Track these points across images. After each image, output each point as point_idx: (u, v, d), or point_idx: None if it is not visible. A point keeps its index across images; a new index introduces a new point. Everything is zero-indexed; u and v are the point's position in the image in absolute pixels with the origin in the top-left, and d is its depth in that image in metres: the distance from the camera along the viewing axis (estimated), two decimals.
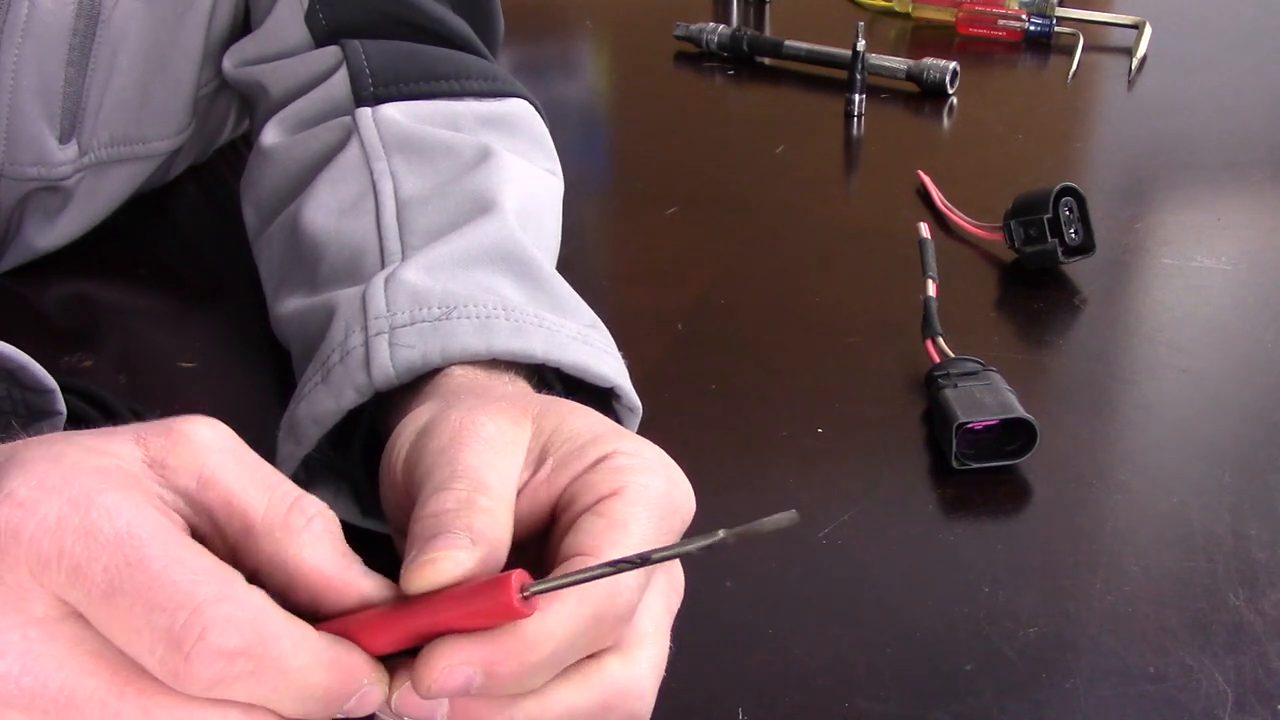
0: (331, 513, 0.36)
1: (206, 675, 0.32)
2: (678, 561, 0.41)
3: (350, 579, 0.36)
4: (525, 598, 0.34)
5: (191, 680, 0.32)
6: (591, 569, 0.35)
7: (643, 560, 0.35)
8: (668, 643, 0.40)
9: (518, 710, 0.36)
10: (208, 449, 0.35)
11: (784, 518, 0.34)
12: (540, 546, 0.40)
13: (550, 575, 0.35)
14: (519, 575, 0.34)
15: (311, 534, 0.35)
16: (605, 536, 0.37)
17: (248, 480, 0.35)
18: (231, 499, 0.35)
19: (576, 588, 0.35)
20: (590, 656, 0.37)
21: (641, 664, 0.38)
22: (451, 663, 0.34)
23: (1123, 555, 0.52)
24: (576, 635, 0.36)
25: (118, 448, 0.35)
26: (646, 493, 0.38)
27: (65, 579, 0.32)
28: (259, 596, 0.33)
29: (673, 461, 0.40)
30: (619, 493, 0.38)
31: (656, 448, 0.41)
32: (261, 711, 0.33)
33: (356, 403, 0.48)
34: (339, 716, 0.35)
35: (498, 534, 0.37)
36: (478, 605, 0.35)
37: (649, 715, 0.39)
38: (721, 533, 0.34)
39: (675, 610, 0.41)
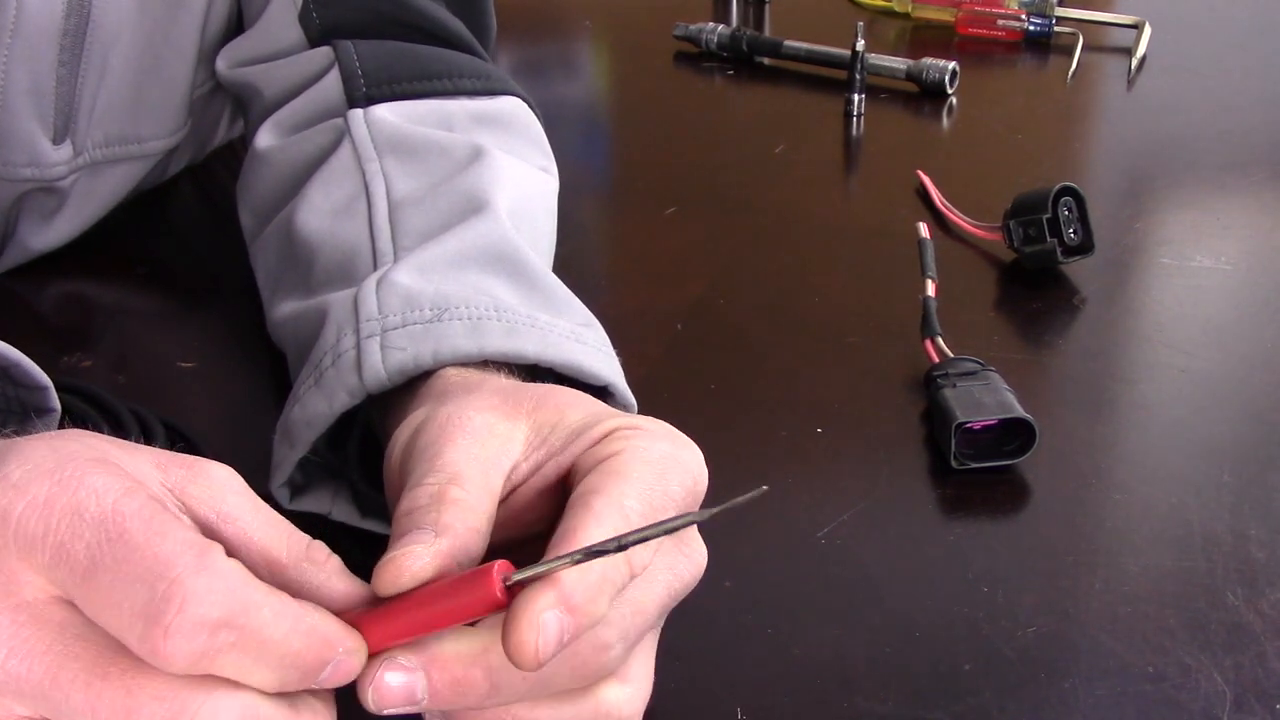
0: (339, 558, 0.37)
1: (188, 649, 0.31)
2: (695, 530, 0.42)
3: (364, 595, 0.36)
4: (508, 588, 0.34)
5: (172, 657, 0.31)
6: (570, 554, 0.35)
7: (618, 546, 0.35)
8: (654, 645, 0.40)
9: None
10: (227, 488, 0.36)
11: (755, 493, 0.34)
12: (551, 533, 0.40)
13: (534, 564, 0.35)
14: (501, 566, 0.35)
15: (334, 566, 0.36)
16: (606, 480, 0.38)
17: (264, 521, 0.36)
18: (251, 535, 0.35)
19: (598, 525, 0.36)
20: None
21: (627, 686, 0.39)
22: (540, 609, 0.34)
23: (1122, 555, 0.52)
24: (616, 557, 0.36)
25: (136, 464, 0.35)
26: (648, 452, 0.39)
27: (50, 558, 0.32)
28: (237, 567, 0.33)
29: (681, 433, 0.41)
30: (619, 452, 0.39)
31: (662, 422, 0.41)
32: (242, 688, 0.33)
33: (349, 405, 0.48)
34: (313, 686, 0.35)
35: (469, 523, 0.37)
36: (462, 599, 0.35)
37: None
38: (694, 513, 0.35)
39: (690, 583, 0.41)
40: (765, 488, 0.34)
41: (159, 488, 0.35)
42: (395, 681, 0.35)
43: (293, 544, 0.36)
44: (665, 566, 0.40)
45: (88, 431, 0.36)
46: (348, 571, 0.36)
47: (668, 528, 0.35)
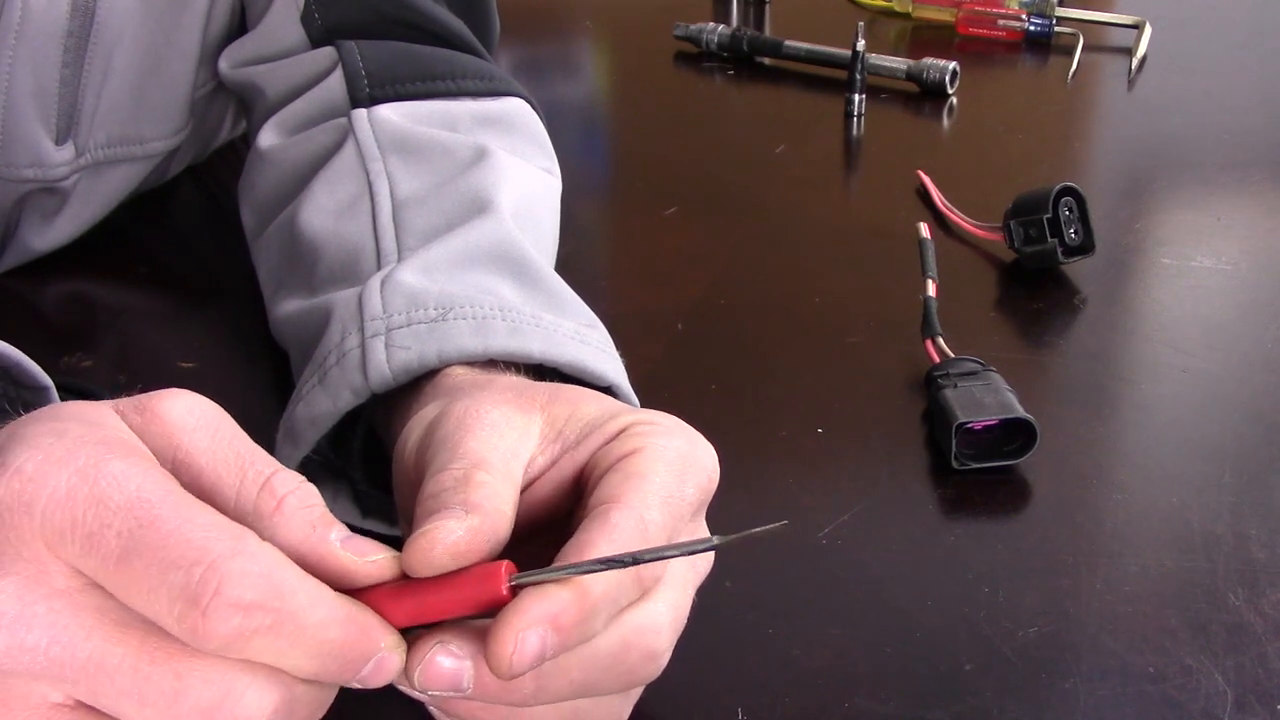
0: (308, 486, 0.36)
1: (224, 630, 0.32)
2: (704, 526, 0.42)
3: (323, 553, 0.35)
4: (511, 588, 0.35)
5: (209, 636, 0.32)
6: (580, 564, 0.35)
7: (634, 560, 0.35)
8: (689, 592, 0.40)
9: None
10: (180, 429, 0.35)
11: (776, 526, 0.35)
12: (566, 526, 0.40)
13: (551, 566, 0.35)
14: (508, 565, 0.35)
15: (282, 516, 0.35)
16: (626, 485, 0.38)
17: (219, 462, 0.35)
18: (203, 482, 0.35)
19: (610, 541, 0.36)
20: None
21: (658, 603, 0.38)
22: (521, 628, 0.34)
23: (1122, 555, 0.52)
24: (625, 575, 0.36)
25: (109, 421, 0.35)
26: (665, 450, 0.39)
27: (79, 549, 0.32)
28: (273, 551, 0.33)
29: (692, 428, 0.41)
30: (639, 450, 0.39)
31: (674, 417, 0.41)
32: (282, 674, 0.33)
33: (353, 404, 0.48)
34: (356, 685, 0.35)
35: (496, 505, 0.37)
36: (467, 592, 0.35)
37: (668, 653, 0.39)
38: (714, 538, 0.35)
39: (702, 572, 0.42)
40: (786, 522, 0.35)
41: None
42: (444, 665, 0.35)
43: (244, 490, 0.35)
44: (689, 566, 0.40)
45: (75, 403, 0.36)
46: (304, 512, 0.35)
47: (688, 550, 0.35)
